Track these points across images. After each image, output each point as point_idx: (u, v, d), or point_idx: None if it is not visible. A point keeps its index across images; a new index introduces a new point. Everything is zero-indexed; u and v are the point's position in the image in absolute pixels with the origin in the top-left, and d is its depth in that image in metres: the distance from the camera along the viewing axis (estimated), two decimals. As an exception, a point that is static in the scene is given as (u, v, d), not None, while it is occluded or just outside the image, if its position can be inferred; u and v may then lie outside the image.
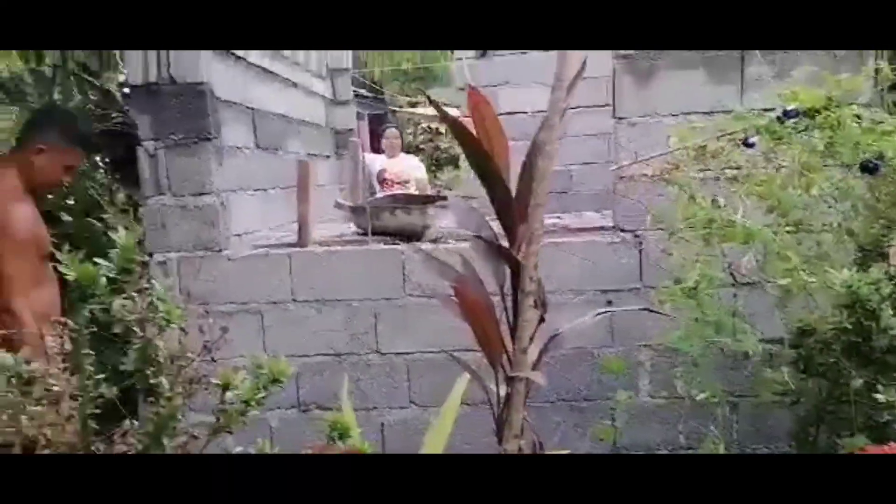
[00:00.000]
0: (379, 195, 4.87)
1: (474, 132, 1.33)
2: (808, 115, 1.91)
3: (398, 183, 5.54)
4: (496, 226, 1.57)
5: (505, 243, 1.35)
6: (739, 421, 2.59)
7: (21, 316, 2.14)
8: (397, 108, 10.22)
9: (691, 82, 2.56)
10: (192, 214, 2.69)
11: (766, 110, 2.04)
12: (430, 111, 9.52)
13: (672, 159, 2.08)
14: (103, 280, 1.43)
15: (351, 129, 5.26)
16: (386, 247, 2.78)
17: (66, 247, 1.45)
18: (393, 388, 2.77)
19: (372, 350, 2.75)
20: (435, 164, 9.30)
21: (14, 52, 3.07)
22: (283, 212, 3.59)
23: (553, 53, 5.13)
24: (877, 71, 2.46)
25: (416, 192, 5.23)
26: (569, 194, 5.08)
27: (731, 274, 2.12)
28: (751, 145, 2.01)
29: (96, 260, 1.41)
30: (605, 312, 1.83)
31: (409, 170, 5.68)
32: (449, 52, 8.52)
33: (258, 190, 3.38)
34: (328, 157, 4.94)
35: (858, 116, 1.89)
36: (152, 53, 2.60)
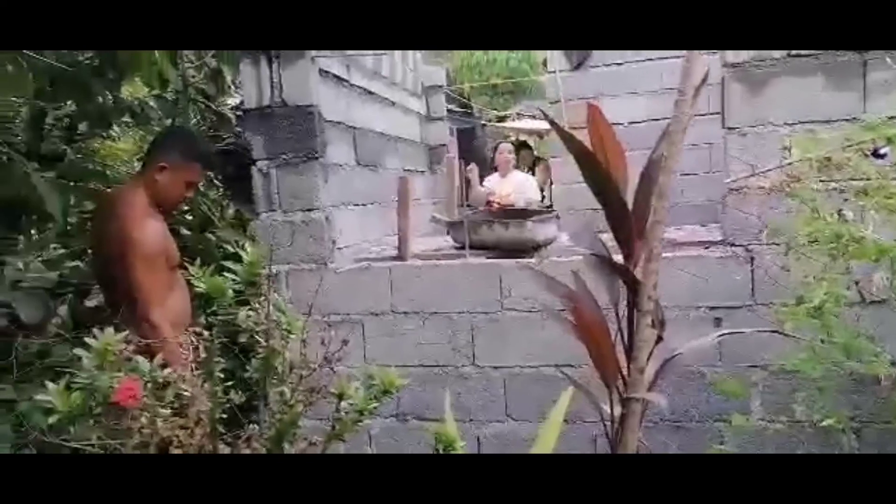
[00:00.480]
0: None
1: (590, 146, 1.31)
2: (948, 122, 1.76)
3: (503, 206, 4.93)
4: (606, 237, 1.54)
5: (620, 260, 1.32)
6: (862, 448, 2.41)
7: (160, 326, 2.26)
8: (486, 123, 10.26)
9: (808, 89, 2.43)
10: (300, 229, 2.81)
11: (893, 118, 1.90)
12: (519, 124, 9.50)
13: (792, 171, 1.96)
14: (230, 292, 1.52)
15: (444, 145, 5.34)
16: (484, 261, 2.79)
17: (197, 261, 1.55)
18: (490, 402, 2.77)
19: (469, 363, 2.76)
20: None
21: (139, 79, 3.32)
22: (380, 225, 3.68)
23: (645, 63, 4.98)
24: None
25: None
26: (671, 206, 4.91)
27: (860, 292, 1.98)
28: (882, 156, 1.87)
29: (224, 273, 1.49)
30: (729, 333, 1.75)
31: (518, 191, 5.10)
32: (540, 65, 8.48)
33: (358, 205, 3.49)
34: (422, 172, 5.03)
35: None
36: (266, 79, 2.75)
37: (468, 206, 5.26)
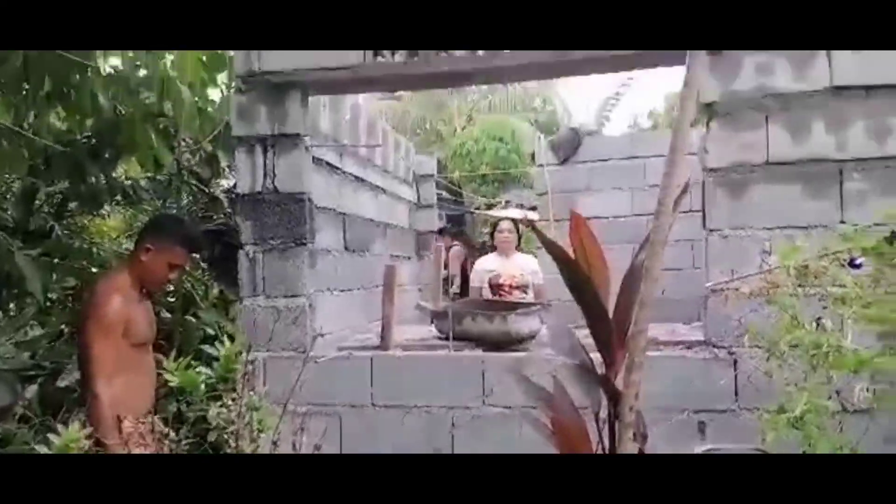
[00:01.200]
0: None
1: (572, 254, 1.33)
2: (921, 236, 1.81)
3: (516, 288, 4.52)
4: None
5: (601, 369, 1.32)
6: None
7: (101, 397, 2.23)
8: (475, 210, 10.43)
9: (786, 196, 2.50)
10: (282, 315, 2.78)
11: (876, 225, 1.96)
12: (508, 212, 9.67)
13: (772, 277, 1.99)
14: (203, 387, 1.48)
15: (433, 232, 5.41)
16: (467, 353, 2.76)
17: (172, 353, 1.52)
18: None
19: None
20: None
21: (134, 158, 3.38)
22: (366, 311, 3.66)
23: (631, 160, 5.12)
24: None
25: (531, 300, 4.37)
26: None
27: (841, 402, 1.96)
28: (857, 266, 1.90)
29: (199, 370, 1.46)
30: (712, 451, 1.71)
31: (528, 271, 4.60)
32: (528, 156, 8.74)
33: (344, 290, 3.48)
34: (410, 258, 5.06)
35: (979, 239, 1.77)
36: (259, 166, 2.81)
37: (455, 293, 5.20)
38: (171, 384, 1.49)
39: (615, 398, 1.29)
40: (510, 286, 4.48)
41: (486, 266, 4.64)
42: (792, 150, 2.49)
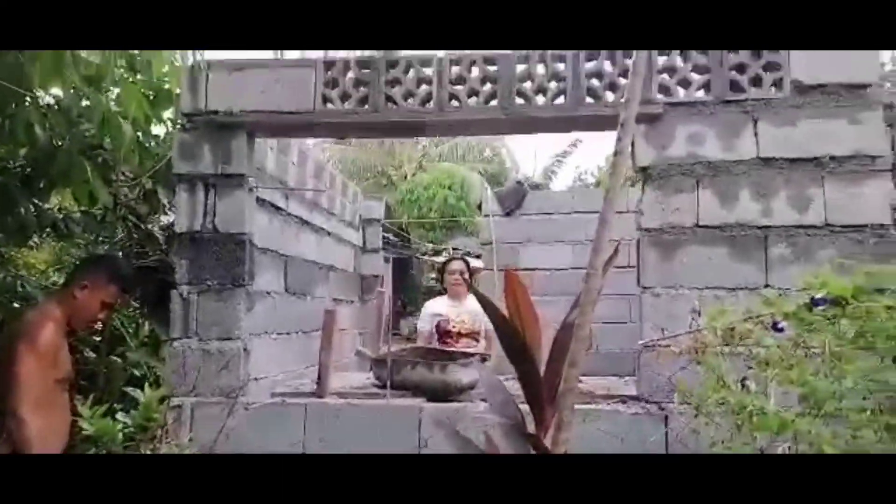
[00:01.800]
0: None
1: (506, 311, 1.35)
2: (837, 303, 1.91)
3: (465, 335, 4.16)
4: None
5: (532, 427, 1.32)
6: None
7: (26, 422, 2.16)
8: (421, 255, 10.48)
9: (715, 259, 2.61)
10: (214, 359, 2.69)
11: (801, 290, 2.05)
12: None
13: (700, 337, 2.06)
14: (120, 436, 1.42)
15: (377, 276, 5.38)
16: (404, 403, 2.73)
17: (89, 400, 1.46)
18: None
19: (381, 514, 2.60)
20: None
21: (69, 190, 3.26)
22: (304, 355, 3.58)
23: (572, 215, 5.21)
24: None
25: (481, 347, 4.11)
26: (588, 353, 5.02)
27: (765, 462, 2.02)
28: (780, 330, 1.99)
29: (117, 416, 1.40)
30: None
31: (478, 318, 4.16)
32: (475, 205, 8.89)
33: (282, 333, 3.41)
34: (353, 301, 5.01)
35: (890, 307, 1.88)
36: (200, 204, 2.76)
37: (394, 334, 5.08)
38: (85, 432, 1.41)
39: (544, 457, 1.29)
40: (458, 333, 4.15)
41: (435, 310, 4.29)
42: (720, 215, 2.62)
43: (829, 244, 2.56)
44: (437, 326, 4.17)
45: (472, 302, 4.14)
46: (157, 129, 3.18)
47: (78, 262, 2.77)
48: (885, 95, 2.69)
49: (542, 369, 1.34)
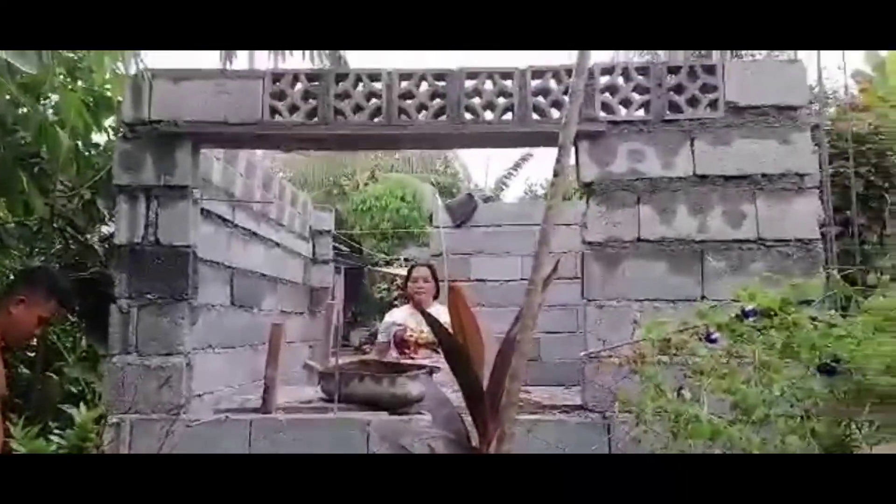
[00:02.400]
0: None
1: (450, 326, 1.37)
2: (766, 315, 2.00)
3: (423, 345, 3.91)
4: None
5: (476, 440, 1.35)
6: None
7: None
8: (372, 267, 10.44)
9: (655, 271, 2.70)
10: (155, 375, 2.62)
11: (734, 300, 2.14)
12: (404, 271, 9.74)
13: (639, 348, 2.13)
14: (54, 457, 1.37)
15: (327, 288, 5.34)
16: (351, 416, 2.71)
17: (21, 420, 1.41)
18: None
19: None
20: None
21: (3, 200, 3.14)
22: (250, 369, 3.53)
23: (520, 228, 5.22)
24: (828, 276, 2.65)
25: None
26: (534, 363, 5.10)
27: (700, 468, 2.09)
28: (713, 341, 2.08)
29: (50, 436, 1.36)
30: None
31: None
32: (427, 216, 8.92)
33: (227, 348, 3.35)
34: (301, 313, 4.96)
35: (814, 318, 1.99)
36: (141, 215, 2.69)
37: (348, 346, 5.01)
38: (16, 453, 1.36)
39: (486, 470, 1.32)
40: (416, 342, 3.92)
41: (395, 318, 4.08)
42: (659, 230, 2.72)
43: (761, 258, 2.68)
44: (395, 336, 3.99)
45: (437, 311, 3.75)
46: (98, 138, 3.10)
47: (13, 276, 2.62)
48: (812, 117, 2.85)
49: (486, 383, 1.36)
